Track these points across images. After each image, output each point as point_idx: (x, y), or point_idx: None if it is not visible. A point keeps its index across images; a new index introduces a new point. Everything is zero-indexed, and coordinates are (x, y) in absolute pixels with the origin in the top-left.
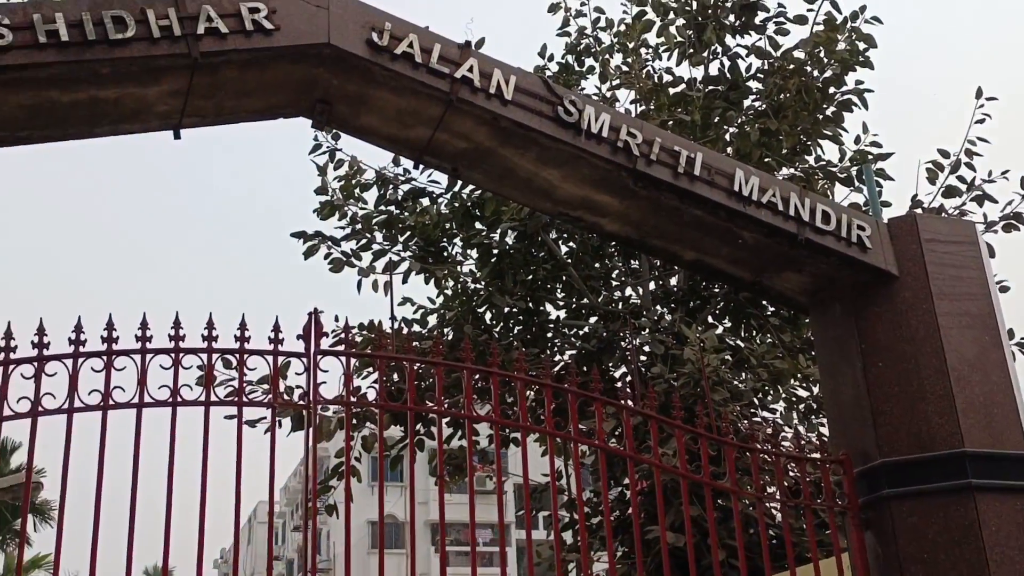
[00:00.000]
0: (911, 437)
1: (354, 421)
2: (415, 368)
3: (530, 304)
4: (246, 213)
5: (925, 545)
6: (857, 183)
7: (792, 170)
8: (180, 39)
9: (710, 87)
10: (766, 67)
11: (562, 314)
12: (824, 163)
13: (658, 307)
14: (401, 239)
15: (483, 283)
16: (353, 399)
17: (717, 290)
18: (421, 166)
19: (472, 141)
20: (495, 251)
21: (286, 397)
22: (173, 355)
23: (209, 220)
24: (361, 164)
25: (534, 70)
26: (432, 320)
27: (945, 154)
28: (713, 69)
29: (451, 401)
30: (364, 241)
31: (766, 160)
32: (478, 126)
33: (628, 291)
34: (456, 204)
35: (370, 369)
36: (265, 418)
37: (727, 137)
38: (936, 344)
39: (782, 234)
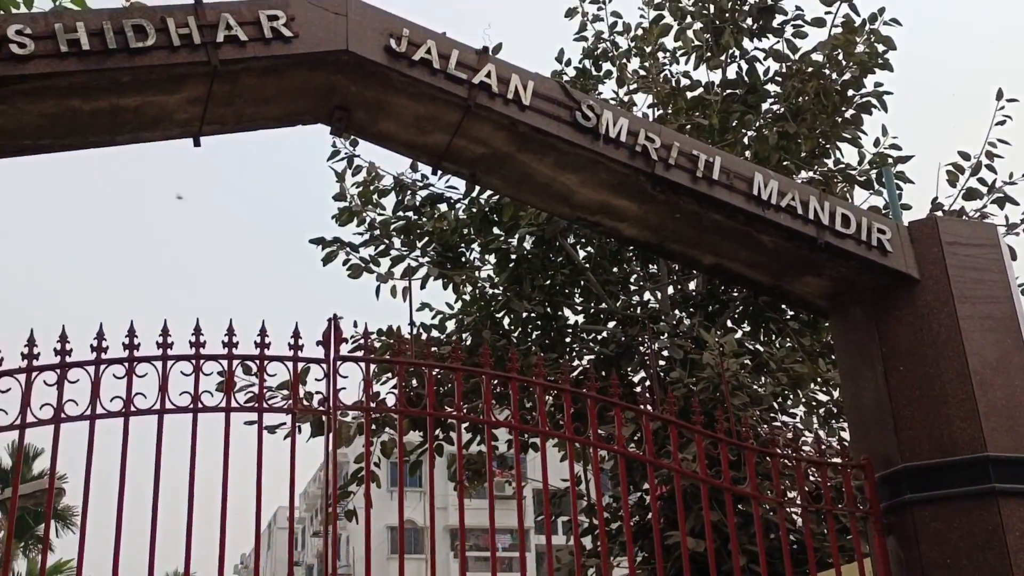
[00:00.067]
0: (933, 441)
1: (373, 427)
2: (434, 374)
3: (548, 309)
4: (266, 220)
5: (948, 550)
6: (877, 186)
7: (811, 173)
8: (200, 47)
9: (728, 91)
10: (784, 70)
11: (580, 319)
12: (843, 166)
13: (677, 311)
14: (419, 245)
15: (501, 288)
16: (372, 405)
17: (736, 294)
18: (439, 172)
19: (490, 146)
20: (513, 256)
21: (305, 403)
22: (194, 362)
23: (230, 227)
24: (379, 170)
25: (551, 75)
26: (450, 325)
27: (966, 156)
28: (731, 72)
29: (470, 406)
30: (382, 247)
31: (784, 164)
32: (496, 131)
33: (646, 295)
34: (474, 209)
35: (389, 375)
36: (285, 424)
37: (745, 141)
38: (958, 347)
39: (802, 238)
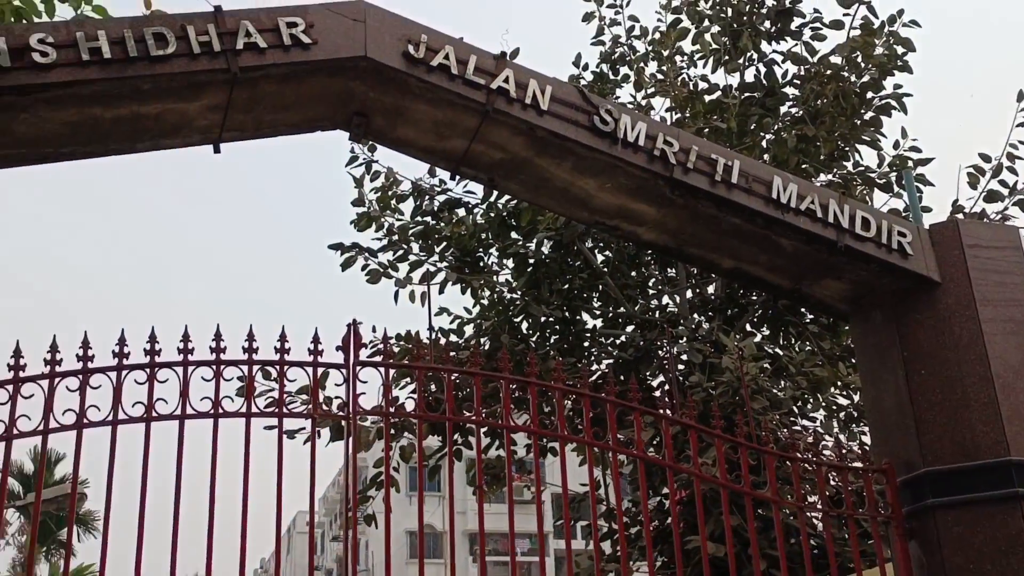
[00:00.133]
0: (955, 446)
1: (392, 431)
2: (453, 378)
3: (566, 313)
4: (287, 226)
5: (971, 555)
6: (896, 189)
7: (830, 176)
8: (219, 54)
9: (746, 94)
10: (802, 73)
11: (599, 323)
12: (862, 169)
13: (695, 315)
14: (437, 250)
15: (519, 293)
16: (392, 409)
17: (755, 298)
18: (457, 177)
19: (508, 151)
20: (531, 261)
21: (325, 408)
22: (215, 367)
23: (251, 233)
24: (397, 175)
25: (568, 80)
26: (468, 330)
27: (986, 158)
28: (749, 76)
29: (489, 411)
30: (401, 252)
31: (803, 166)
32: (514, 136)
33: (665, 299)
34: (492, 214)
35: (408, 379)
36: (304, 428)
37: (763, 144)
38: (980, 351)
39: (821, 241)
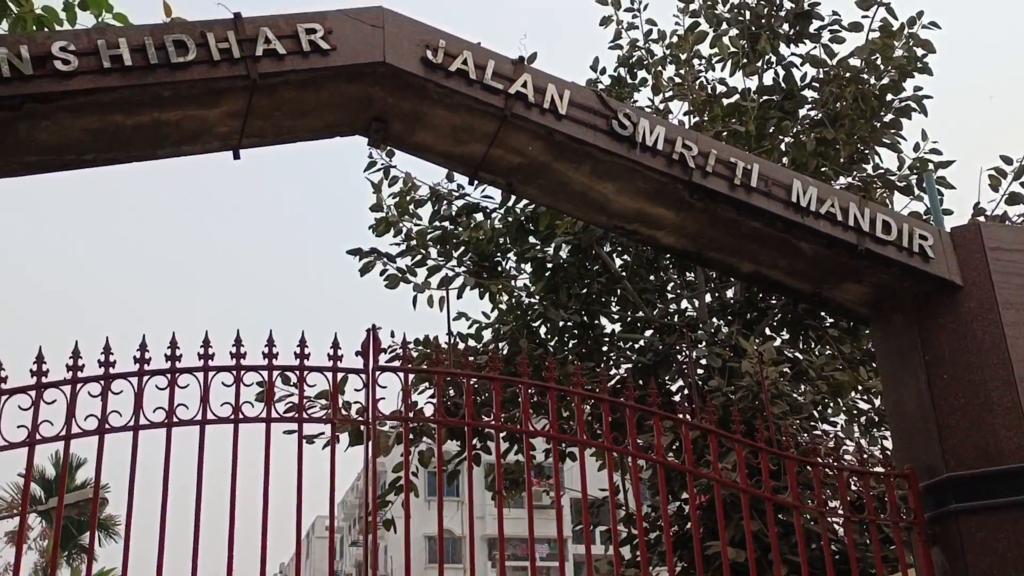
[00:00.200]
0: (978, 450)
1: (411, 436)
2: (472, 383)
3: (585, 318)
4: (305, 231)
5: (995, 561)
6: (917, 191)
7: (850, 179)
8: (239, 61)
9: (764, 97)
10: (821, 75)
11: (617, 327)
12: (882, 172)
13: (714, 319)
14: (455, 254)
15: (537, 297)
16: (411, 414)
17: (774, 301)
18: (475, 182)
19: (526, 156)
20: (549, 265)
21: (344, 413)
22: (235, 372)
23: (270, 238)
24: (415, 181)
25: (586, 84)
26: (487, 335)
27: (1008, 160)
28: (767, 79)
29: (507, 416)
30: (419, 257)
31: (823, 170)
32: (532, 141)
33: (684, 303)
34: (510, 219)
35: (427, 384)
36: (323, 433)
37: (782, 147)
38: (1003, 355)
39: (842, 245)
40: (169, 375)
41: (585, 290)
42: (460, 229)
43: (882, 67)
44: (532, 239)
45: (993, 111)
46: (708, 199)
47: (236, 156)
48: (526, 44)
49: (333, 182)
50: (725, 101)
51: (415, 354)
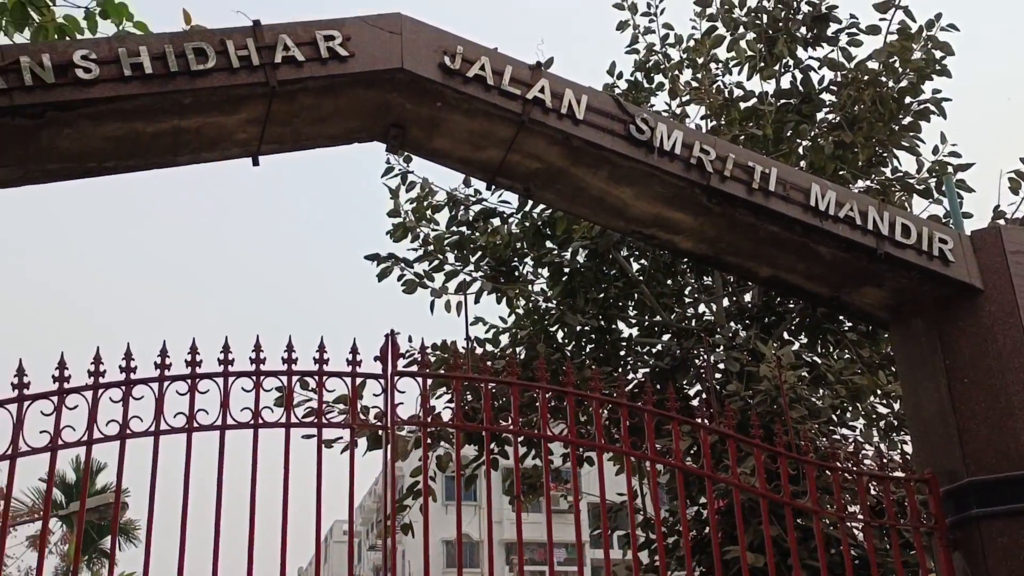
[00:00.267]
0: (999, 455)
1: (429, 441)
2: (490, 388)
3: (602, 322)
4: (323, 237)
5: (1016, 566)
6: (936, 195)
7: (868, 183)
8: (258, 68)
9: (782, 101)
10: (839, 79)
11: (635, 332)
12: (901, 175)
13: (732, 323)
14: (473, 259)
15: (555, 302)
16: (429, 419)
17: (792, 305)
18: (493, 187)
19: (544, 161)
20: (566, 270)
21: (363, 418)
22: (255, 378)
23: (288, 244)
24: (432, 186)
25: (603, 88)
26: (504, 339)
27: None
28: (785, 82)
29: (525, 421)
30: (436, 262)
31: (841, 173)
32: (550, 146)
33: (701, 308)
34: (527, 223)
35: (445, 389)
36: (342, 438)
37: (800, 151)
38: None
39: (860, 248)
40: (189, 380)
41: (602, 294)
42: (477, 234)
43: (900, 70)
44: (549, 244)
45: (1012, 112)
46: (726, 203)
47: (255, 163)
48: (543, 49)
49: (350, 188)
50: (742, 105)
51: (433, 359)
